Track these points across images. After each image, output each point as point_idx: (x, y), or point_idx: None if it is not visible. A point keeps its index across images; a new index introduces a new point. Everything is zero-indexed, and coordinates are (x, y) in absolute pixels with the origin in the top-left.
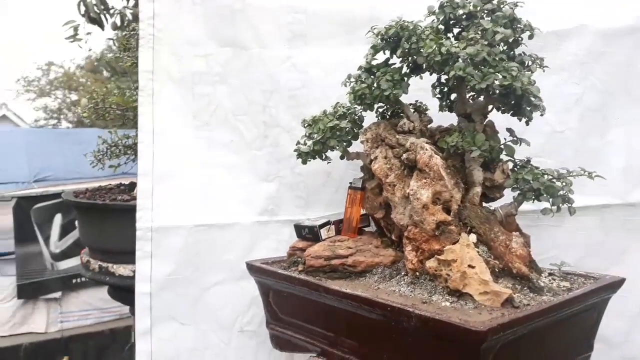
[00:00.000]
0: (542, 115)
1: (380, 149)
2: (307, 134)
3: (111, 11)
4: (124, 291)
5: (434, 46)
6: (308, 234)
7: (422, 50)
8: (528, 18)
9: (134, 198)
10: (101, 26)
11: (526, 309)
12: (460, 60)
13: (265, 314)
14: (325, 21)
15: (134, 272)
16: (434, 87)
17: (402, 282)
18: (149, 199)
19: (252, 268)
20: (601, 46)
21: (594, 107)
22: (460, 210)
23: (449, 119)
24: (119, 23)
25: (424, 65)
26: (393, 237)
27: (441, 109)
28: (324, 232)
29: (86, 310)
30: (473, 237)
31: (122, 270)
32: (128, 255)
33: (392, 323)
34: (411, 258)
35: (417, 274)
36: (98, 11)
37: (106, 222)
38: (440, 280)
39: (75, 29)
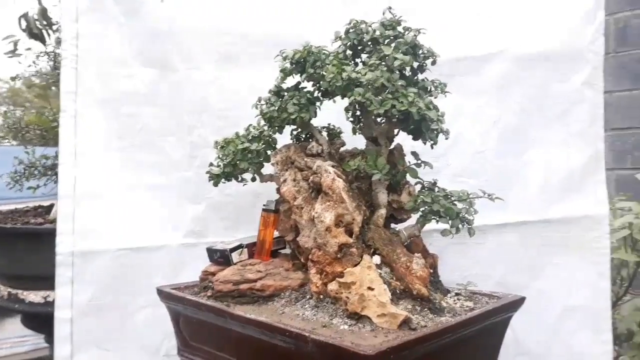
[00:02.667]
0: (446, 139)
1: (289, 172)
2: (219, 156)
3: (54, 27)
4: (37, 319)
5: (336, 71)
6: (220, 257)
7: (324, 75)
8: (448, 44)
9: (49, 222)
10: (43, 41)
11: (422, 330)
12: (360, 85)
13: (176, 340)
14: (255, 43)
15: (45, 298)
16: (346, 110)
17: (307, 306)
18: (69, 222)
19: (161, 294)
20: (518, 71)
21: (512, 128)
22: (364, 232)
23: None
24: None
25: (329, 90)
26: (302, 260)
27: (354, 132)
28: (235, 256)
29: (23, 336)
30: (377, 259)
31: (32, 297)
32: (40, 281)
33: (293, 348)
34: (315, 281)
35: (321, 297)
36: (40, 26)
37: (16, 247)
38: (341, 303)
39: (15, 44)
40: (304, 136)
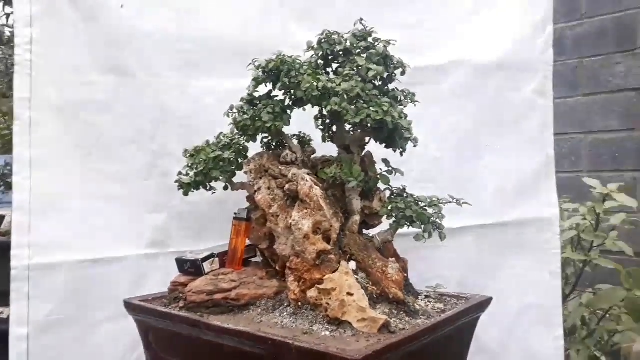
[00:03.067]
0: (415, 146)
1: (263, 180)
2: (189, 165)
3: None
4: None
5: (312, 81)
6: (190, 267)
7: (300, 84)
8: (408, 54)
9: (1, 234)
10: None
11: (401, 333)
12: (336, 95)
13: (145, 354)
14: (218, 51)
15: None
16: (316, 119)
17: (285, 314)
18: (25, 235)
19: (130, 306)
20: (474, 80)
21: (469, 135)
22: (340, 239)
23: (333, 149)
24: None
25: (304, 99)
26: (277, 268)
27: (324, 140)
28: (207, 266)
29: None
30: (353, 265)
31: None
32: None
33: (275, 357)
34: (293, 288)
35: (300, 304)
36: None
37: None
38: (321, 309)
39: None
40: (274, 144)
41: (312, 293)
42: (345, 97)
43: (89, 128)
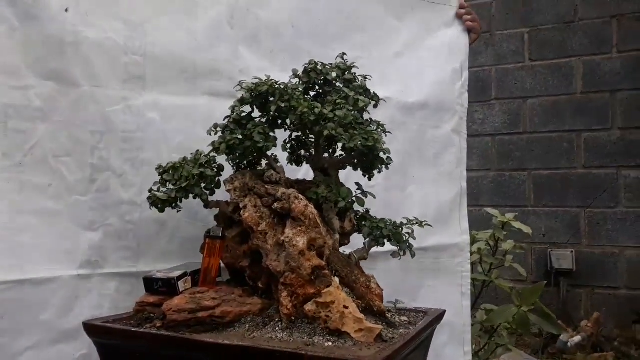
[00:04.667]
0: (387, 169)
1: (249, 198)
2: (163, 181)
3: None
4: None
5: (307, 107)
6: (162, 287)
7: (297, 109)
8: None
9: None
10: None
11: (396, 341)
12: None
13: None
14: (165, 67)
15: None
16: (285, 143)
17: (277, 328)
18: None
19: (92, 329)
20: (401, 117)
21: (396, 167)
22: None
23: (293, 171)
24: None
25: (289, 123)
26: (260, 285)
27: (290, 162)
28: (181, 285)
29: None
30: (336, 280)
31: None
32: None
33: None
34: (286, 303)
35: (293, 318)
36: None
37: None
38: (320, 322)
39: None
40: (244, 164)
41: (310, 307)
42: (340, 123)
43: (20, 136)
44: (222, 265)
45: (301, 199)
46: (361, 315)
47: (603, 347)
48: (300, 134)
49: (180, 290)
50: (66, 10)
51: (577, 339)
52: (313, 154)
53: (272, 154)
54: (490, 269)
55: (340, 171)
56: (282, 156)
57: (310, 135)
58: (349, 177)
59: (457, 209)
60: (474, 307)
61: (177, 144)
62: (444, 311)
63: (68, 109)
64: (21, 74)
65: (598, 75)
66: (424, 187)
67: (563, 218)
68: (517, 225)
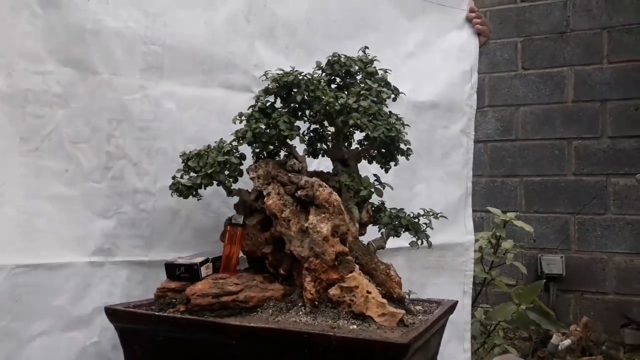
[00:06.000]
0: (407, 159)
1: (272, 186)
2: (187, 168)
3: None
4: None
5: (333, 97)
6: (184, 272)
7: (322, 99)
8: None
9: None
10: None
11: (415, 326)
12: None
13: None
14: (183, 58)
15: None
16: (303, 135)
17: (301, 313)
18: None
19: (115, 313)
20: (412, 115)
21: (405, 165)
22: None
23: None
24: None
25: (310, 113)
26: (281, 271)
27: (307, 154)
28: (203, 270)
29: None
30: (357, 267)
31: None
32: None
33: (306, 351)
34: (310, 288)
35: (316, 303)
36: None
37: None
38: (344, 306)
39: None
40: (265, 154)
41: (334, 291)
42: (364, 113)
43: (38, 121)
44: (241, 255)
45: (325, 187)
46: (384, 300)
47: (591, 351)
48: (318, 126)
49: (203, 276)
50: None
51: (566, 342)
52: (331, 146)
53: (292, 144)
54: (491, 267)
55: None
56: (299, 149)
57: (329, 127)
58: (362, 171)
59: (462, 209)
60: (473, 305)
61: (192, 134)
62: (456, 302)
63: (86, 96)
64: (41, 59)
65: (589, 85)
66: (432, 185)
67: (553, 224)
68: (519, 224)
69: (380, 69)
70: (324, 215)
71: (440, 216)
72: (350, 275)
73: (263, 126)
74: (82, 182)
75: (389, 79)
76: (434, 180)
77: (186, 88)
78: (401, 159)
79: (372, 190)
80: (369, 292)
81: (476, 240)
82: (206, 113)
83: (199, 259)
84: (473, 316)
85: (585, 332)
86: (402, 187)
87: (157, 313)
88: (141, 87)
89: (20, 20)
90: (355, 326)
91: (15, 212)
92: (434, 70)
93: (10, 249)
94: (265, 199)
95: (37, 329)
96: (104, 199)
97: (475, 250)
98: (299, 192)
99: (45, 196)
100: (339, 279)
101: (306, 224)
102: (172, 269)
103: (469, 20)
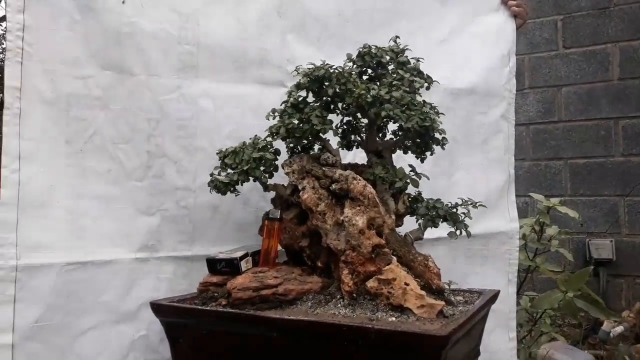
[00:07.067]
0: (443, 148)
1: (307, 180)
2: (224, 165)
3: None
4: None
5: (364, 89)
6: (225, 267)
7: (354, 92)
8: None
9: None
10: None
11: (455, 317)
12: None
13: (172, 358)
14: (217, 56)
15: None
16: (336, 127)
17: (339, 305)
18: (13, 232)
19: (160, 308)
20: (448, 102)
21: (443, 153)
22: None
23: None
24: None
25: (343, 106)
26: (319, 264)
27: (341, 146)
28: (243, 264)
29: None
30: (395, 259)
31: None
32: None
33: (345, 343)
34: (347, 281)
35: (354, 295)
36: None
37: None
38: (382, 298)
39: None
40: (299, 148)
41: (372, 283)
42: (397, 104)
43: (81, 124)
44: (280, 248)
45: (359, 180)
46: (422, 292)
47: None
48: (351, 118)
49: (243, 270)
50: (123, 2)
51: (619, 329)
52: (364, 138)
53: (325, 138)
54: (535, 254)
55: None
56: (333, 141)
57: (362, 119)
58: (398, 162)
59: (505, 196)
60: (518, 293)
61: (229, 131)
62: (499, 291)
63: (125, 98)
64: (81, 64)
65: (635, 61)
66: (472, 173)
67: (601, 207)
68: (563, 209)
69: (413, 58)
70: (359, 208)
71: (480, 205)
72: (387, 267)
73: (296, 121)
74: (125, 182)
75: (422, 68)
76: (474, 167)
77: (221, 85)
78: (440, 147)
79: (408, 181)
80: (407, 284)
81: (520, 227)
82: (242, 109)
83: (238, 254)
84: (518, 304)
85: (639, 318)
86: (441, 176)
87: (199, 307)
88: (177, 87)
89: (60, 27)
90: (393, 318)
91: (64, 212)
92: (469, 55)
93: (60, 248)
94: (301, 193)
95: (87, 323)
96: (147, 197)
97: (518, 238)
98: (333, 186)
99: (91, 196)
100: (376, 271)
101: (341, 217)
102: (213, 264)
103: (504, 2)
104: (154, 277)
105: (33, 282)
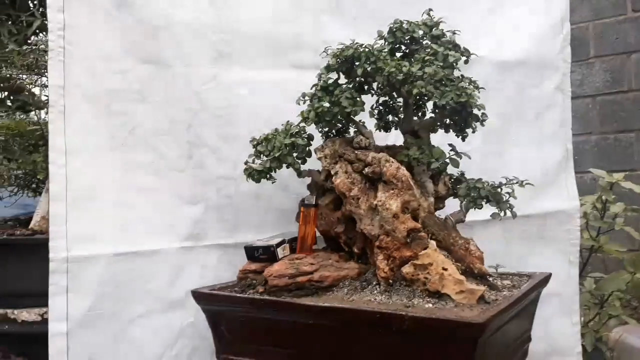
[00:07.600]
0: (483, 125)
1: (339, 165)
2: (258, 153)
3: None
4: (27, 341)
5: (395, 67)
6: (262, 254)
7: (384, 70)
8: None
9: (36, 232)
10: None
11: (497, 303)
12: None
13: (215, 344)
14: (252, 43)
15: (42, 315)
16: (372, 108)
17: (376, 291)
18: (63, 225)
19: (200, 296)
20: (496, 75)
21: (493, 129)
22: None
23: (382, 139)
24: None
25: (377, 85)
26: (355, 250)
27: (378, 128)
28: (280, 251)
29: None
30: (433, 243)
31: (25, 315)
32: (33, 298)
33: (380, 330)
34: (383, 267)
35: (390, 281)
36: None
37: (6, 261)
38: (418, 284)
39: None
40: (334, 132)
41: (407, 269)
42: (430, 80)
43: (122, 118)
44: (318, 234)
45: (392, 162)
46: (461, 277)
47: None
48: (387, 98)
49: (280, 257)
50: None
51: None
52: (402, 117)
53: (361, 121)
54: (598, 234)
55: (433, 135)
56: (370, 124)
57: (398, 99)
58: (443, 141)
59: (563, 173)
60: (581, 275)
61: (267, 117)
62: (550, 274)
63: (163, 90)
64: (119, 58)
65: None
66: (525, 150)
67: None
68: (627, 185)
69: (448, 31)
70: (392, 191)
71: (527, 184)
72: (423, 252)
73: (326, 104)
74: (167, 172)
75: (465, 40)
76: (527, 144)
77: (257, 72)
78: (491, 123)
79: (447, 161)
80: (444, 269)
81: (581, 205)
82: (279, 95)
83: (275, 241)
84: (582, 286)
85: None
86: (491, 154)
87: (237, 295)
88: (214, 76)
89: (98, 24)
90: (430, 305)
91: (110, 204)
92: (518, 24)
93: (108, 239)
94: (334, 178)
95: (137, 311)
96: (189, 186)
97: (579, 217)
98: (366, 169)
99: (135, 188)
100: (413, 256)
101: (375, 202)
102: (251, 251)
103: None
104: (200, 265)
105: (83, 273)
